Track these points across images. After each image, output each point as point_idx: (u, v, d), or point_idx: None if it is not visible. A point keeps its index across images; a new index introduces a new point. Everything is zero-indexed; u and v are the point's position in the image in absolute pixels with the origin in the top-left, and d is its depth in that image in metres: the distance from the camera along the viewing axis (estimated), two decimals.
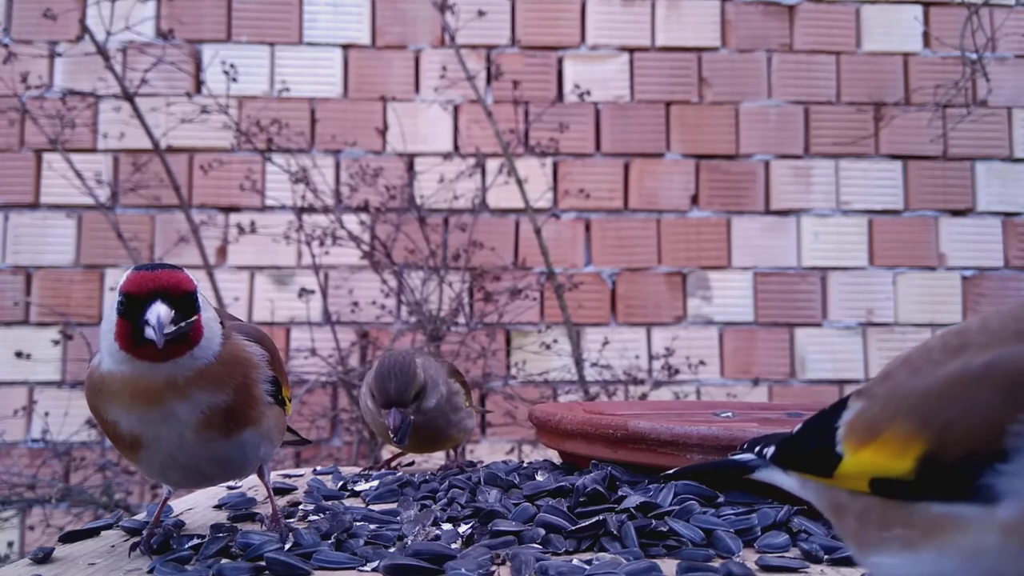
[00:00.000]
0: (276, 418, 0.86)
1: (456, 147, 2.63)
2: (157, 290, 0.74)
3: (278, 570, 0.72)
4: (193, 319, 0.76)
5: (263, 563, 0.72)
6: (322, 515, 0.91)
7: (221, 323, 0.81)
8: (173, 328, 0.73)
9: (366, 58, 2.66)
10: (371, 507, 0.96)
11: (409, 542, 0.80)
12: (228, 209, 2.59)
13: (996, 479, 0.45)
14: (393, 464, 1.31)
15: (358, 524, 0.86)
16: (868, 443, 0.53)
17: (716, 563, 0.72)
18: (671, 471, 0.80)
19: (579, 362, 2.47)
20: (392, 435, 1.12)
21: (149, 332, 0.73)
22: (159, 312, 0.73)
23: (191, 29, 2.61)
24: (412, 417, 1.13)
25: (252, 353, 0.82)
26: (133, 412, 0.77)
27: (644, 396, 2.48)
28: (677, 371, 2.48)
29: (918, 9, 2.71)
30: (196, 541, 0.82)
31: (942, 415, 0.49)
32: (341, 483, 1.11)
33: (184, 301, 0.75)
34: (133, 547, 0.80)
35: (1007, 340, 0.49)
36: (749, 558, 0.75)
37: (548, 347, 2.49)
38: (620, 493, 0.89)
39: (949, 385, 0.50)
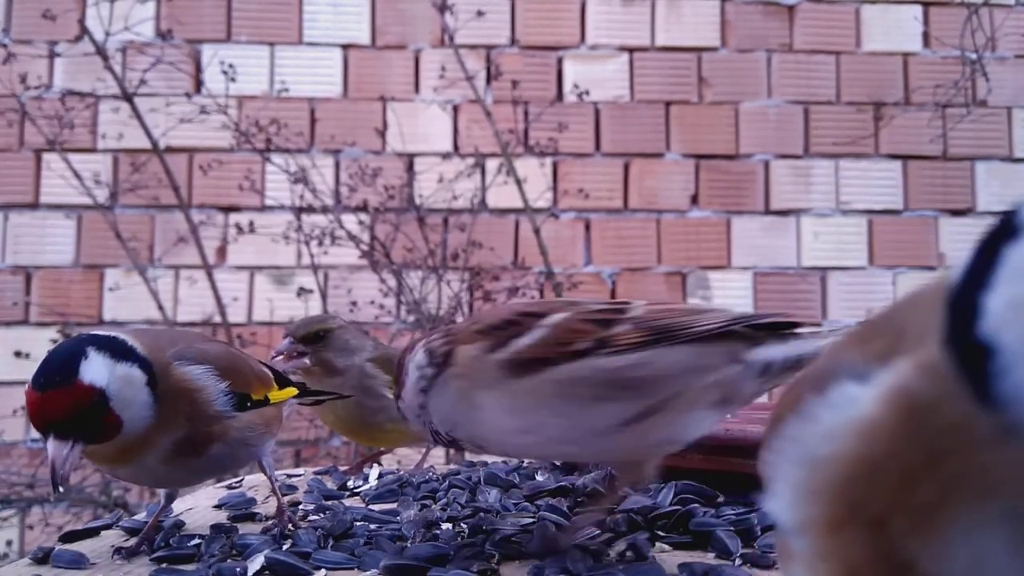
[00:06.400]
0: (251, 420, 0.86)
1: (455, 147, 2.63)
2: (48, 426, 0.72)
3: (278, 570, 0.72)
4: (96, 427, 0.73)
5: (263, 563, 0.72)
6: (322, 515, 0.91)
7: (151, 370, 0.77)
8: (71, 462, 0.71)
9: (366, 58, 2.66)
10: (371, 507, 0.96)
11: (409, 542, 0.80)
12: (227, 209, 2.58)
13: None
14: (369, 462, 1.30)
15: (358, 524, 0.86)
16: None
17: (716, 563, 0.72)
18: None
19: None
20: (273, 355, 1.24)
21: (51, 474, 0.71)
22: (52, 456, 0.71)
23: (190, 29, 2.61)
24: (309, 355, 1.24)
25: (193, 379, 0.81)
26: (104, 466, 0.85)
27: None
28: None
29: (918, 9, 2.71)
30: (196, 541, 0.82)
31: None
32: (341, 483, 1.11)
33: (80, 418, 0.72)
34: (117, 551, 0.80)
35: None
36: (749, 558, 0.74)
37: None
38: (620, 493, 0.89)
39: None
